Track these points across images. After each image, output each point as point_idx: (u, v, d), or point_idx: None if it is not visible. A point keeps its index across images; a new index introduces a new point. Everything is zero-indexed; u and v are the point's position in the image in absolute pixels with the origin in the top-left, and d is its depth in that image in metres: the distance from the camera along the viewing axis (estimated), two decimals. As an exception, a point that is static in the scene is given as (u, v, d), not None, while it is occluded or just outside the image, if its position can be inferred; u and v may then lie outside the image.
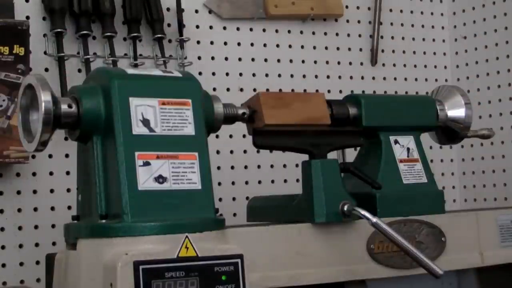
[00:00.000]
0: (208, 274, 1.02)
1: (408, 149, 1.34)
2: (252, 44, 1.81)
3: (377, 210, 1.25)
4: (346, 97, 1.34)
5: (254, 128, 1.22)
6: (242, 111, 1.22)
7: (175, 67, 1.69)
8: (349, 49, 1.93)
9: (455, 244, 1.30)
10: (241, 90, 1.77)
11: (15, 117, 1.44)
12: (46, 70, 1.57)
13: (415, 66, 2.02)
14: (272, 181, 1.79)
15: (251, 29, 1.81)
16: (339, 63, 1.92)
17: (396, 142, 1.33)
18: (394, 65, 1.99)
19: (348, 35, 1.93)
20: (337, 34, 1.92)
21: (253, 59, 1.80)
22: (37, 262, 1.51)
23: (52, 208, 1.55)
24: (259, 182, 1.78)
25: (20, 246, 1.52)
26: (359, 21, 1.95)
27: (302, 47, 1.87)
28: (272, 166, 1.79)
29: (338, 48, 1.92)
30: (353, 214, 1.17)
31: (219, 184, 1.67)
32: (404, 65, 2.01)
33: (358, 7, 1.95)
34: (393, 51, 1.99)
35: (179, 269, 1.00)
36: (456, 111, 1.41)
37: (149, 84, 1.10)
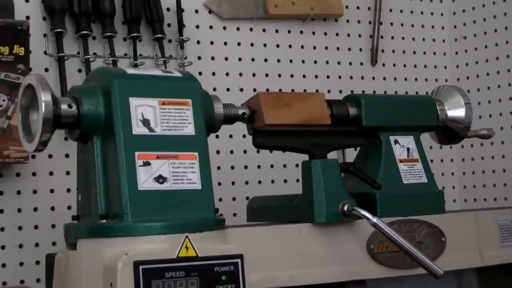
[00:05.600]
0: (208, 274, 1.02)
1: (408, 149, 1.34)
2: (252, 44, 1.81)
3: (377, 210, 1.25)
4: (346, 97, 1.34)
5: (254, 128, 1.22)
6: (242, 111, 1.22)
7: (175, 67, 1.69)
8: (349, 49, 1.93)
9: (455, 244, 1.30)
10: (241, 90, 1.77)
11: (15, 117, 1.44)
12: (46, 70, 1.57)
13: (415, 66, 2.02)
14: (272, 181, 1.79)
15: (251, 29, 1.81)
16: (339, 63, 1.92)
17: (396, 142, 1.33)
18: (394, 65, 1.99)
19: (348, 35, 1.93)
20: (337, 34, 1.92)
21: (253, 59, 1.80)
22: (37, 262, 1.51)
23: (52, 208, 1.55)
24: (259, 182, 1.78)
25: (20, 246, 1.52)
26: (359, 21, 1.95)
27: (302, 47, 1.87)
28: (272, 166, 1.79)
29: (338, 48, 1.92)
30: (353, 214, 1.17)
31: (219, 184, 1.67)
32: (404, 65, 2.01)
33: (358, 7, 1.95)
34: (393, 51, 1.99)
35: (179, 269, 1.00)
36: (456, 111, 1.41)
37: (149, 84, 1.10)
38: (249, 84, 1.78)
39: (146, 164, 1.06)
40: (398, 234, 1.15)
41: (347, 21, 1.93)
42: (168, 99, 1.10)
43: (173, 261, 1.00)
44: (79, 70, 1.60)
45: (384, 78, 1.97)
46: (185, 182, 1.07)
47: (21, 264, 1.51)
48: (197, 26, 1.75)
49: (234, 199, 1.73)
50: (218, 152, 1.72)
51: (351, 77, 1.92)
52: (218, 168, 1.71)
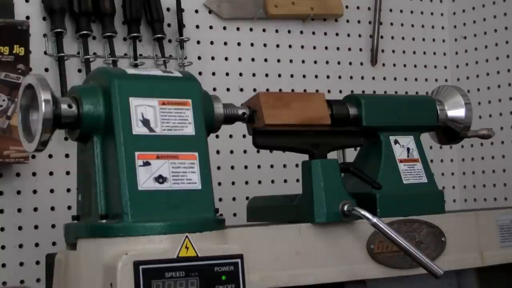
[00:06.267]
0: (208, 274, 1.02)
1: (408, 149, 1.34)
2: (252, 44, 1.81)
3: (377, 210, 1.25)
4: (346, 97, 1.34)
5: (254, 128, 1.22)
6: (242, 111, 1.22)
7: (175, 67, 1.69)
8: (349, 49, 1.93)
9: (455, 244, 1.30)
10: (241, 90, 1.77)
11: (15, 117, 1.44)
12: (46, 70, 1.57)
13: (415, 66, 2.02)
14: (272, 181, 1.79)
15: (251, 29, 1.81)
16: (339, 63, 1.92)
17: (396, 142, 1.33)
18: (394, 65, 1.99)
19: (348, 35, 1.93)
20: (337, 34, 1.92)
21: (253, 59, 1.80)
22: (37, 262, 1.51)
23: (52, 208, 1.55)
24: (259, 182, 1.78)
25: (20, 246, 1.52)
26: (359, 21, 1.95)
27: (302, 47, 1.87)
28: (272, 166, 1.79)
29: (338, 48, 1.92)
30: (353, 214, 1.17)
31: (219, 184, 1.67)
32: (404, 65, 2.01)
33: (358, 7, 1.95)
34: (393, 51, 1.99)
35: (179, 269, 1.00)
36: (456, 111, 1.41)
37: (149, 84, 1.10)
38: (249, 84, 1.78)
39: (146, 164, 1.05)
40: (398, 234, 1.15)
41: (347, 21, 1.93)
42: (168, 99, 1.10)
43: (173, 261, 1.00)
44: (79, 70, 1.61)
45: (384, 78, 1.97)
46: (185, 182, 1.07)
47: (21, 264, 1.51)
48: (197, 26, 1.75)
49: (234, 199, 1.73)
50: (218, 152, 1.72)
51: (351, 77, 1.92)
52: (218, 168, 1.71)
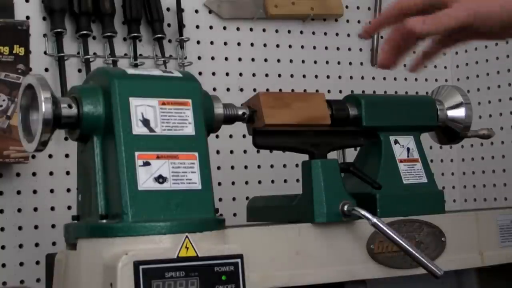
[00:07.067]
0: (208, 274, 1.02)
1: (408, 149, 1.34)
2: (252, 44, 1.81)
3: (377, 210, 1.25)
4: (346, 97, 1.34)
5: (254, 128, 1.22)
6: (242, 111, 1.22)
7: (175, 67, 1.69)
8: (349, 49, 1.93)
9: (455, 244, 1.30)
10: (241, 90, 1.77)
11: (15, 117, 1.44)
12: (46, 70, 1.57)
13: (415, 66, 2.02)
14: (272, 181, 1.79)
15: (251, 29, 1.81)
16: (339, 63, 1.92)
17: (396, 142, 1.33)
18: (394, 65, 1.99)
19: (348, 35, 1.93)
20: (337, 34, 1.92)
21: (253, 59, 1.80)
22: (37, 262, 1.51)
23: (52, 208, 1.55)
24: (259, 182, 1.77)
25: (20, 246, 1.52)
26: (359, 21, 1.95)
27: (302, 47, 1.87)
28: (272, 166, 1.79)
29: (338, 48, 1.92)
30: (353, 214, 1.17)
31: (219, 184, 1.67)
32: (404, 65, 2.00)
33: (358, 7, 1.95)
34: (393, 51, 1.99)
35: (179, 269, 1.00)
36: (456, 111, 1.41)
37: (149, 84, 1.10)
38: (249, 84, 1.78)
39: (146, 164, 1.05)
40: (398, 234, 1.15)
41: (347, 21, 1.93)
42: (168, 99, 1.10)
43: (173, 261, 1.00)
44: (79, 70, 1.61)
45: (384, 78, 1.97)
46: (185, 182, 1.07)
47: (21, 264, 1.51)
48: (197, 26, 1.75)
49: (234, 199, 1.73)
50: (218, 152, 1.72)
51: (351, 77, 1.92)
52: (218, 168, 1.71)
